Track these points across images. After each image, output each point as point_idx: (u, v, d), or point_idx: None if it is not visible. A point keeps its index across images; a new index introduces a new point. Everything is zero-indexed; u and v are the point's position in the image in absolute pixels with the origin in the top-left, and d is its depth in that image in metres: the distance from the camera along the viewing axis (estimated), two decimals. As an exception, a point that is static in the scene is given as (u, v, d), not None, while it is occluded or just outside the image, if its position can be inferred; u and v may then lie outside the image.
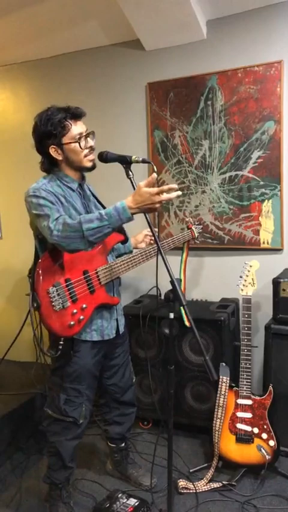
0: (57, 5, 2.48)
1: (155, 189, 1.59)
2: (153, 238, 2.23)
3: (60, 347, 1.83)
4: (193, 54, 2.66)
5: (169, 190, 1.60)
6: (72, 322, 1.79)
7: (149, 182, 1.61)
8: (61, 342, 1.83)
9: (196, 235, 2.44)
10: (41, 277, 1.76)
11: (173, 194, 1.61)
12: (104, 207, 2.04)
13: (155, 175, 1.61)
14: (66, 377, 1.91)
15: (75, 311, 1.80)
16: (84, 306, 1.83)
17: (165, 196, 1.60)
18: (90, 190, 2.04)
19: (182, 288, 2.40)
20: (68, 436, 1.95)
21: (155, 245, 2.04)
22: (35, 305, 1.76)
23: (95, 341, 1.92)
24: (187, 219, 2.48)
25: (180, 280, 2.41)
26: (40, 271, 1.77)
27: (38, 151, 1.89)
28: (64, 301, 1.78)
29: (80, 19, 2.63)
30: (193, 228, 2.43)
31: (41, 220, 1.73)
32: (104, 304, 1.91)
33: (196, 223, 2.53)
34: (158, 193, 1.59)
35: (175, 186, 1.61)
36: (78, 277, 1.83)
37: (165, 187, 1.60)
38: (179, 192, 1.63)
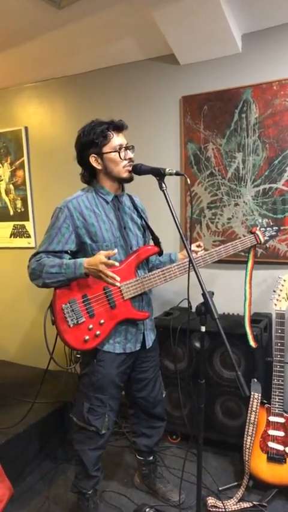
0: (95, 23, 2.54)
1: (104, 259, 1.71)
2: (199, 253, 2.10)
3: (79, 357, 1.94)
4: (228, 67, 2.67)
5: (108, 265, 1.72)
6: (87, 337, 1.82)
7: (107, 253, 1.73)
8: (78, 355, 1.93)
9: (262, 240, 2.15)
10: (57, 295, 1.83)
11: (109, 273, 1.71)
12: (144, 220, 2.05)
13: (115, 250, 1.76)
14: (90, 386, 1.93)
15: (91, 326, 1.83)
16: (102, 321, 1.85)
17: (103, 267, 1.70)
18: (133, 203, 2.05)
19: (248, 303, 2.22)
20: (90, 446, 1.96)
21: (194, 258, 1.99)
22: (52, 319, 1.84)
23: (118, 353, 1.94)
24: (258, 220, 2.17)
25: (245, 292, 2.22)
26: (57, 290, 1.84)
27: (79, 163, 1.95)
28: (79, 316, 1.81)
29: (117, 36, 2.69)
30: (257, 232, 2.15)
31: (43, 237, 1.90)
32: (128, 319, 1.91)
33: (266, 225, 2.21)
34: (104, 263, 1.70)
35: (115, 263, 1.72)
36: (97, 293, 1.85)
37: (108, 261, 1.72)
38: (116, 277, 1.72)
